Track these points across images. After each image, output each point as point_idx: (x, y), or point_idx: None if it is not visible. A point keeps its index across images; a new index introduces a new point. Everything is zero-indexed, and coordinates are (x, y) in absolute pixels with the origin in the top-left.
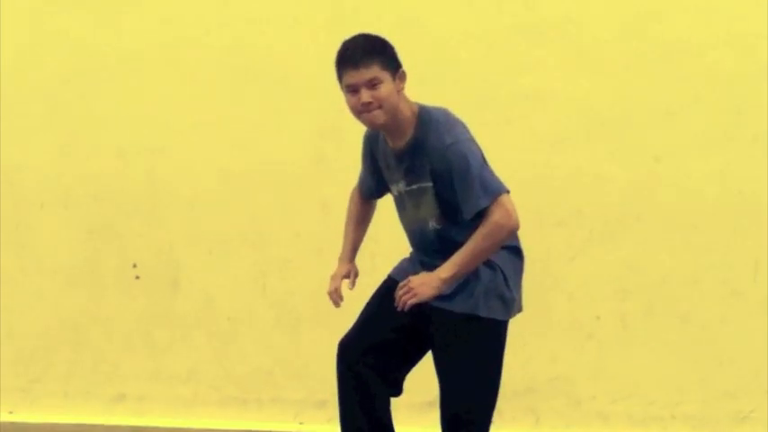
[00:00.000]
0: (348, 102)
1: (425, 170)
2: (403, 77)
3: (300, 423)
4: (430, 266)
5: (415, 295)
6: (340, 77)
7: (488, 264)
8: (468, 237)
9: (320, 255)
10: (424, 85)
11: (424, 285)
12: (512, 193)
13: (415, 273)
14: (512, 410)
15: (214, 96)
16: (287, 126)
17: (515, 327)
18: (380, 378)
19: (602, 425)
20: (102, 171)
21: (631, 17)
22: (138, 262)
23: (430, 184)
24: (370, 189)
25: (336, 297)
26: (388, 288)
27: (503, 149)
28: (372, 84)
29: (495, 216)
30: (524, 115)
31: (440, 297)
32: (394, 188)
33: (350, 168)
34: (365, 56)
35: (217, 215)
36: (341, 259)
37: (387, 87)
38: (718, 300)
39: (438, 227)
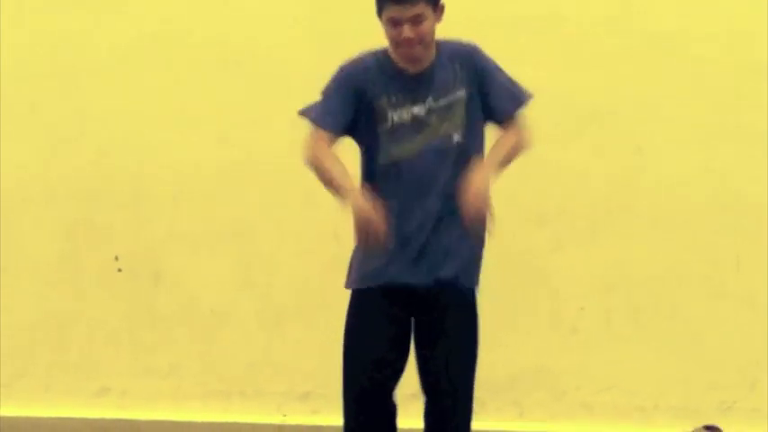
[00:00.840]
0: (387, 33)
1: (456, 80)
2: (442, 10)
3: (284, 415)
4: (420, 228)
5: (484, 200)
6: (381, 8)
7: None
8: (479, 152)
9: (303, 249)
10: None
11: (483, 185)
12: (496, 189)
13: (402, 266)
14: (496, 403)
15: (195, 91)
16: (269, 120)
17: (499, 319)
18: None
19: (586, 416)
20: (83, 166)
21: (616, 10)
22: (121, 256)
23: (463, 92)
24: (340, 123)
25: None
26: (372, 306)
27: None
28: (416, 20)
29: (525, 122)
30: None
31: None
32: (400, 114)
33: None
34: None
35: (199, 210)
36: (354, 189)
37: (429, 23)
38: (701, 292)
39: (462, 140)
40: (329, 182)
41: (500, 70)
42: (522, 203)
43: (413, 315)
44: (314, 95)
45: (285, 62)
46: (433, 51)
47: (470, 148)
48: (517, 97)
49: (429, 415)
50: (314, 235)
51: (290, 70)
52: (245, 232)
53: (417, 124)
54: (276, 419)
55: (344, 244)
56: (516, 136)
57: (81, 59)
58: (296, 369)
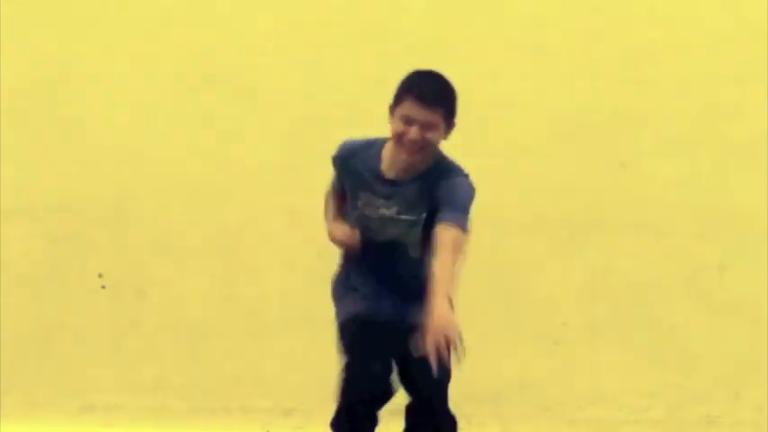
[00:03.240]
0: (395, 126)
1: (425, 203)
2: (452, 128)
3: (268, 431)
4: (386, 288)
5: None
6: (399, 101)
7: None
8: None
9: (288, 262)
10: (393, 91)
11: (450, 324)
12: (477, 200)
13: (383, 307)
14: (479, 416)
15: (180, 104)
16: (254, 134)
17: (482, 333)
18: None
19: (571, 430)
20: (67, 180)
21: (598, 22)
22: (105, 271)
23: (424, 215)
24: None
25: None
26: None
27: (469, 155)
28: (429, 126)
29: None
30: (490, 121)
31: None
32: (371, 209)
33: (317, 175)
34: (437, 101)
35: (183, 223)
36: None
37: (438, 135)
38: (685, 304)
39: (414, 255)
40: (326, 222)
41: (464, 198)
42: (504, 215)
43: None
44: (299, 110)
45: (272, 76)
46: (427, 163)
47: (415, 258)
48: (453, 216)
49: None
50: (299, 249)
51: (277, 85)
52: (229, 248)
53: (381, 222)
54: None
55: (329, 258)
56: (451, 254)
57: (65, 74)
58: (280, 385)
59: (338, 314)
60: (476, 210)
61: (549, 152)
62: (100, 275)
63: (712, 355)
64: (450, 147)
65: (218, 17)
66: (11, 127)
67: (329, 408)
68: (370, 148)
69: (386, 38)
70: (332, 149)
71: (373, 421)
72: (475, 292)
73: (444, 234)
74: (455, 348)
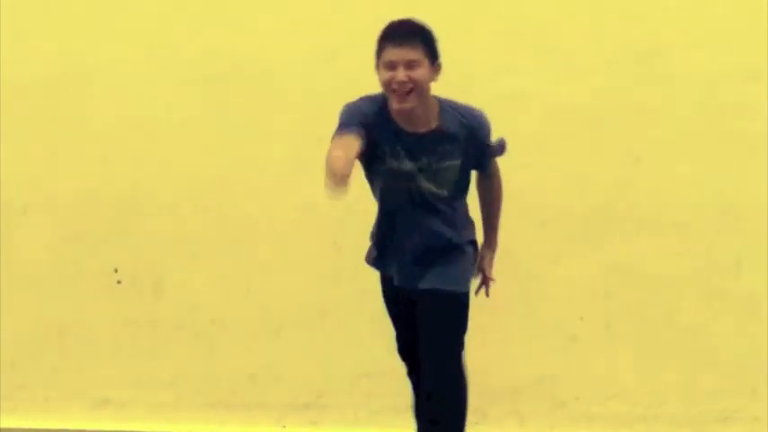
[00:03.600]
0: (381, 77)
1: (455, 150)
2: (438, 69)
3: (283, 427)
4: (410, 252)
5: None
6: (380, 52)
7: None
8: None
9: (303, 258)
10: None
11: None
12: None
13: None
14: (496, 412)
15: (196, 100)
16: (268, 129)
17: (499, 328)
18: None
19: (587, 426)
20: (83, 176)
21: (611, 18)
22: (121, 266)
23: (458, 161)
24: (361, 126)
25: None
26: (391, 292)
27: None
28: (411, 65)
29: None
30: (506, 117)
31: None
32: (399, 164)
33: None
34: (411, 36)
35: (199, 219)
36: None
37: (423, 71)
38: (701, 300)
39: (448, 195)
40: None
41: (489, 138)
42: (520, 212)
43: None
44: (312, 106)
45: (286, 72)
46: (434, 110)
47: (455, 197)
48: (496, 152)
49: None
50: (314, 245)
51: (290, 80)
52: (245, 243)
53: (407, 177)
54: (276, 431)
55: (345, 254)
56: (497, 196)
57: (80, 70)
58: (296, 380)
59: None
60: None
61: (565, 148)
62: (116, 270)
63: (729, 351)
64: None
65: (231, 13)
66: (25, 123)
67: (344, 402)
68: (376, 107)
69: None
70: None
71: None
72: (492, 287)
73: (486, 184)
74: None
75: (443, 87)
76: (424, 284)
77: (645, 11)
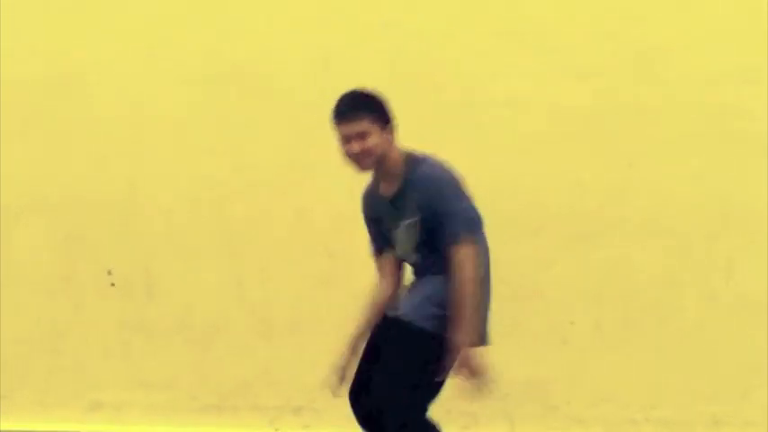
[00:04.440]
0: (341, 147)
1: (414, 205)
2: (392, 130)
3: (276, 429)
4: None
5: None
6: (335, 127)
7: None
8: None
9: (296, 262)
10: (400, 91)
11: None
12: (486, 199)
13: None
14: (487, 416)
15: (190, 103)
16: (262, 134)
17: (491, 331)
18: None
19: (578, 429)
20: (77, 179)
21: (606, 22)
22: (115, 269)
23: (417, 217)
24: (381, 249)
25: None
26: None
27: (477, 155)
28: (361, 136)
29: (463, 260)
30: (499, 121)
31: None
32: (393, 232)
33: (324, 175)
34: (355, 111)
35: (193, 222)
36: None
37: (374, 139)
38: (693, 303)
39: (417, 260)
40: None
41: (449, 202)
42: (511, 215)
43: None
44: (306, 110)
45: (279, 76)
46: (400, 170)
47: (426, 260)
48: (455, 232)
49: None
50: (307, 249)
51: (286, 86)
52: (238, 247)
53: (396, 238)
54: None
55: (337, 259)
56: (458, 285)
57: (76, 74)
58: (289, 383)
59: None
60: (484, 209)
61: (557, 151)
62: (109, 273)
63: (720, 355)
64: (461, 147)
65: (229, 16)
66: (19, 125)
67: (338, 406)
68: (372, 189)
69: (393, 38)
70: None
71: None
72: None
73: (450, 255)
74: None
75: (443, 89)
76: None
77: (643, 13)
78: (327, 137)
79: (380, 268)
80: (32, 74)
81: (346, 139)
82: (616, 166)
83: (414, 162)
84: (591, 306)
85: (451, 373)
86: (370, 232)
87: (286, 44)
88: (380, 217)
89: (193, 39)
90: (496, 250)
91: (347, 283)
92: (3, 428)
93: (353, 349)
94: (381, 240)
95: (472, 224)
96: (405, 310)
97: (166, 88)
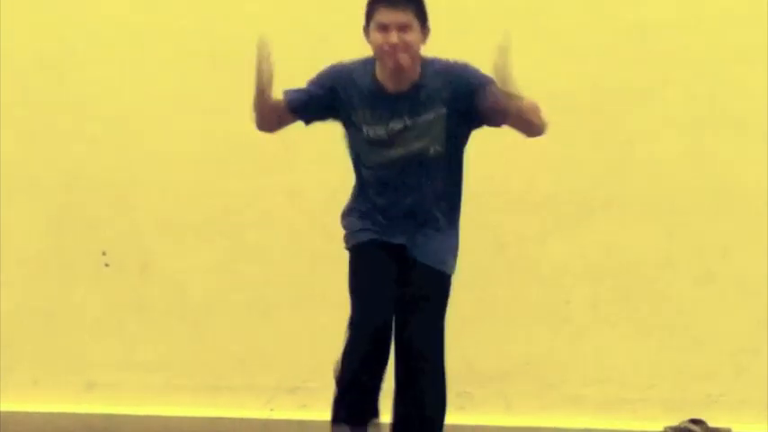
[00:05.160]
0: (373, 39)
1: (437, 98)
2: (427, 33)
3: (271, 410)
4: (395, 214)
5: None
6: (371, 13)
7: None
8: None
9: (290, 240)
10: None
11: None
12: (482, 177)
13: (389, 223)
14: (483, 395)
15: (182, 83)
16: None
17: (486, 311)
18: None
19: (574, 409)
20: (70, 158)
21: (603, 1)
22: (108, 249)
23: (444, 110)
24: (302, 108)
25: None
26: (375, 255)
27: (473, 134)
28: (403, 27)
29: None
30: None
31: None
32: (375, 129)
33: (319, 155)
34: (406, 0)
35: (186, 202)
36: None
37: (415, 35)
38: (690, 283)
39: (441, 150)
40: (255, 102)
41: (484, 75)
42: (509, 193)
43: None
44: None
45: (276, 56)
46: (418, 70)
47: (449, 157)
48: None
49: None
50: (303, 228)
51: (280, 64)
52: (232, 225)
53: (392, 138)
54: (264, 414)
55: (333, 237)
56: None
57: (69, 53)
58: (284, 363)
59: (348, 241)
60: (480, 187)
61: (555, 130)
62: (104, 254)
63: (716, 335)
64: None
65: None
66: (15, 105)
67: (332, 386)
68: (364, 67)
69: None
70: (335, 127)
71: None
72: (480, 270)
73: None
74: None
75: None
76: (418, 255)
77: None
78: None
79: (279, 116)
80: (26, 55)
81: (384, 28)
82: (613, 145)
83: (434, 63)
84: (587, 285)
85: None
86: (310, 93)
87: (280, 23)
88: (357, 106)
89: (183, 20)
90: (492, 229)
91: (343, 261)
92: None
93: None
94: (306, 105)
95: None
96: (439, 258)
97: (160, 68)
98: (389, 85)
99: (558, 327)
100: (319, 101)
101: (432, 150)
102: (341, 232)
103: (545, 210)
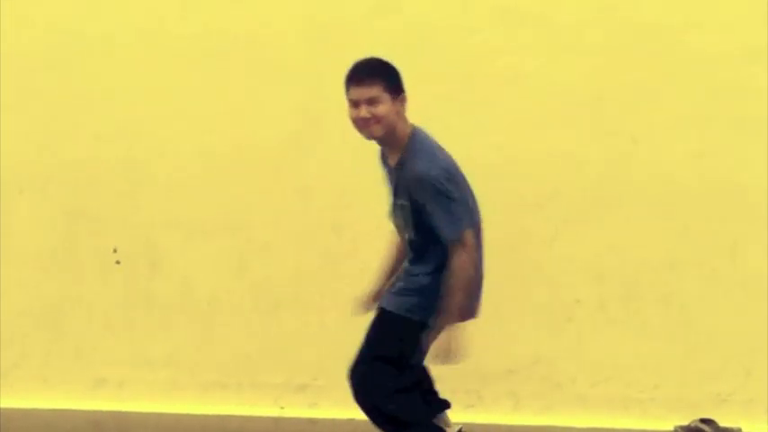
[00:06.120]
0: (350, 114)
1: (407, 190)
2: (403, 101)
3: (281, 407)
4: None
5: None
6: (346, 91)
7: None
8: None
9: (299, 238)
10: (401, 66)
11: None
12: (489, 176)
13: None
14: (491, 393)
15: (192, 79)
16: (266, 109)
17: (494, 310)
18: None
19: (582, 408)
20: (80, 155)
21: None
22: (117, 246)
23: (408, 202)
24: None
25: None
26: None
27: (480, 131)
28: (372, 102)
29: (456, 259)
30: (501, 97)
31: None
32: (392, 200)
33: (328, 152)
34: (369, 76)
35: (196, 199)
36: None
37: (385, 107)
38: (697, 282)
39: (413, 238)
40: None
41: (434, 204)
42: (516, 193)
43: None
44: (310, 86)
45: (283, 52)
46: (402, 144)
47: (422, 244)
48: (443, 234)
49: None
50: (312, 225)
51: (286, 60)
52: (242, 223)
53: (394, 211)
54: (273, 411)
55: (343, 235)
56: (451, 281)
57: (77, 49)
58: (293, 361)
59: None
60: (488, 187)
61: (561, 127)
62: (114, 251)
63: (724, 334)
64: (463, 123)
65: None
66: (24, 101)
67: (342, 384)
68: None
69: (394, 14)
70: (345, 125)
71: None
72: (487, 269)
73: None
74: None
75: (444, 67)
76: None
77: None
78: (331, 113)
79: None
80: (33, 48)
81: (355, 104)
82: (619, 143)
83: (412, 148)
84: (595, 284)
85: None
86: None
87: (289, 19)
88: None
89: (193, 12)
90: (499, 228)
91: (352, 258)
92: (5, 406)
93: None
94: None
95: (459, 225)
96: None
97: (168, 63)
98: (390, 159)
99: (565, 326)
100: None
101: (406, 235)
102: (352, 230)
103: (552, 209)
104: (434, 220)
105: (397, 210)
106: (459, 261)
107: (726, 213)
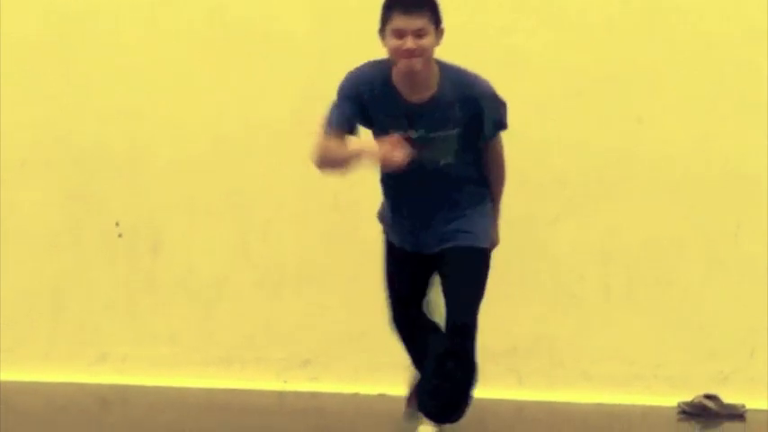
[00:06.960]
0: (389, 44)
1: (452, 120)
2: (442, 34)
3: (284, 381)
4: (421, 217)
5: None
6: (386, 19)
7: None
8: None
9: (301, 217)
10: None
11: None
12: None
13: (418, 238)
14: (495, 371)
15: (196, 59)
16: (268, 89)
17: (497, 288)
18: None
19: (585, 385)
20: (83, 136)
21: None
22: (120, 223)
23: (456, 131)
24: (352, 128)
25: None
26: (404, 259)
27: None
28: (419, 33)
29: (498, 144)
30: (507, 78)
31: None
32: (401, 134)
33: None
34: (417, 5)
35: (198, 178)
36: (362, 144)
37: (430, 39)
38: (700, 262)
39: (451, 162)
40: (343, 160)
41: (496, 108)
42: (521, 172)
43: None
44: (313, 66)
45: (285, 32)
46: (435, 78)
47: (461, 165)
48: (498, 125)
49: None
50: (313, 203)
51: (289, 41)
52: (244, 200)
53: (411, 145)
54: (277, 386)
55: (344, 212)
56: (497, 175)
57: (80, 28)
58: (296, 336)
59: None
60: None
61: (565, 108)
62: (117, 224)
63: (727, 313)
64: None
65: None
66: (25, 80)
67: (345, 359)
68: (380, 71)
69: None
70: None
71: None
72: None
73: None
74: None
75: (445, 47)
76: (446, 245)
77: None
78: (333, 91)
79: (336, 140)
80: (35, 27)
81: (400, 34)
82: (624, 123)
83: (449, 76)
84: (599, 263)
85: None
86: (345, 112)
87: (293, 2)
88: (376, 112)
89: None
90: (504, 207)
91: (353, 235)
92: (8, 379)
93: None
94: (351, 119)
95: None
96: (467, 238)
97: (171, 42)
98: (407, 93)
99: (569, 304)
100: (357, 113)
101: (441, 162)
102: (352, 206)
103: (556, 188)
104: (494, 123)
105: (426, 142)
106: (501, 145)
107: (730, 194)
